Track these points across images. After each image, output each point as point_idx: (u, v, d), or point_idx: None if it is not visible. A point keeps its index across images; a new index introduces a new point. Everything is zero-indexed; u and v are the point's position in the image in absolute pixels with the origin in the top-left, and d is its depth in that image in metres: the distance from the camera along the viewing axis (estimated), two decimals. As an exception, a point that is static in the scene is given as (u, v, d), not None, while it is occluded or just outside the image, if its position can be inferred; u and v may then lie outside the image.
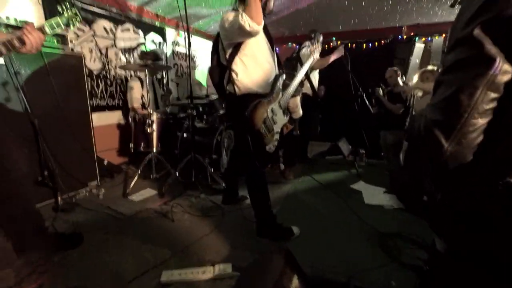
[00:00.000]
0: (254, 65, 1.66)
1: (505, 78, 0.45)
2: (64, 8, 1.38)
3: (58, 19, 1.34)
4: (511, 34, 0.43)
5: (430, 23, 4.30)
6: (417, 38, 4.38)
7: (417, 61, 4.03)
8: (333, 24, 4.63)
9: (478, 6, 0.46)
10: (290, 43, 5.39)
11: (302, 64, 3.04)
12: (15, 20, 2.20)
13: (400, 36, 4.49)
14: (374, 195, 2.54)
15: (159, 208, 2.24)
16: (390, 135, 3.39)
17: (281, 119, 1.79)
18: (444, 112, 0.51)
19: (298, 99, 2.74)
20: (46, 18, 2.60)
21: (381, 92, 3.39)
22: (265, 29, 1.73)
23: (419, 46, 4.03)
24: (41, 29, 1.28)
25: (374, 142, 3.57)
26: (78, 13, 1.42)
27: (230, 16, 1.58)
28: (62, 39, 2.59)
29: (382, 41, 4.71)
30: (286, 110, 1.85)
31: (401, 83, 3.39)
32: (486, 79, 0.45)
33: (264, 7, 1.63)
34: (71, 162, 2.39)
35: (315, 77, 3.20)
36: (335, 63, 3.03)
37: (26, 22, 2.16)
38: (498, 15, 0.43)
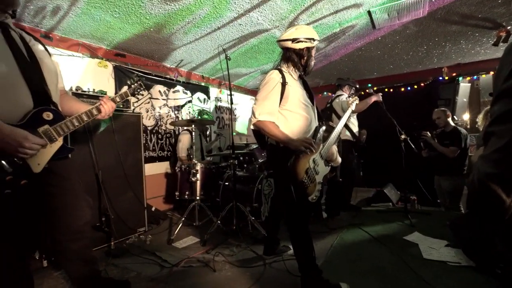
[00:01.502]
0: (294, 118, 1.76)
1: None
2: (132, 81, 1.72)
3: (127, 90, 1.67)
4: None
5: (473, 61, 4.20)
6: (461, 78, 4.25)
7: (465, 99, 3.85)
8: (368, 71, 4.77)
9: None
10: (325, 92, 5.61)
11: (336, 114, 3.14)
12: (94, 90, 2.73)
13: (441, 77, 4.41)
14: (434, 248, 2.24)
15: (201, 257, 2.26)
16: (445, 180, 3.11)
17: (323, 169, 1.81)
18: (498, 164, 0.50)
19: (334, 147, 2.75)
20: (116, 88, 3.17)
21: (428, 134, 3.23)
22: (305, 84, 1.89)
23: (464, 85, 3.89)
24: (113, 100, 1.60)
25: (427, 187, 3.29)
26: (142, 85, 1.77)
27: (259, 91, 1.77)
28: (126, 102, 3.08)
29: (422, 84, 4.65)
30: (328, 161, 1.87)
31: (452, 123, 3.21)
32: None
33: (305, 67, 1.82)
34: (124, 209, 2.63)
35: (353, 122, 3.23)
36: (375, 108, 3.05)
37: (102, 92, 2.66)
38: None
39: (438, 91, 4.45)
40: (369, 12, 2.63)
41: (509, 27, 2.99)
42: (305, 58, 1.79)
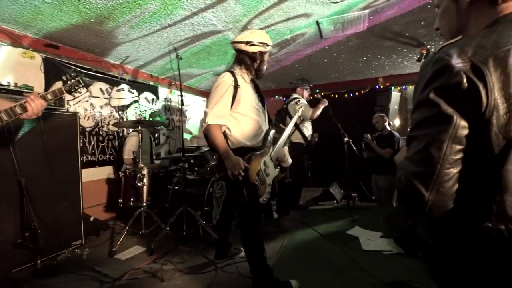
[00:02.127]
0: (245, 121, 1.78)
1: (464, 132, 0.54)
2: (68, 77, 1.53)
3: (61, 87, 1.49)
4: (459, 97, 0.53)
5: (402, 73, 4.81)
6: (393, 87, 4.84)
7: (396, 107, 4.40)
8: (316, 77, 5.09)
9: (430, 75, 0.57)
10: (276, 96, 5.82)
11: (290, 117, 3.28)
12: (16, 85, 2.36)
13: (377, 86, 4.95)
14: (371, 240, 2.50)
15: (148, 267, 2.13)
16: (381, 179, 3.49)
17: (273, 171, 1.87)
18: (420, 164, 0.57)
19: (286, 148, 2.87)
20: (46, 83, 2.80)
21: (369, 137, 3.59)
22: (257, 87, 1.93)
23: (395, 94, 4.43)
24: (44, 97, 1.41)
25: (366, 185, 3.65)
26: (81, 82, 1.58)
27: (211, 93, 1.76)
28: (59, 100, 2.73)
29: (362, 91, 5.18)
30: (277, 162, 1.94)
31: (388, 127, 3.63)
32: (449, 133, 0.54)
33: (258, 70, 1.85)
34: (55, 221, 2.33)
35: (306, 126, 3.38)
36: (322, 112, 3.28)
37: (27, 87, 2.32)
38: (446, 83, 0.54)
39: (375, 98, 5.01)
40: (317, 22, 2.82)
41: (429, 46, 3.51)
42: (258, 61, 1.82)
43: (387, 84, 4.91)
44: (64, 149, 2.47)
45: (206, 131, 1.73)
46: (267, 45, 1.82)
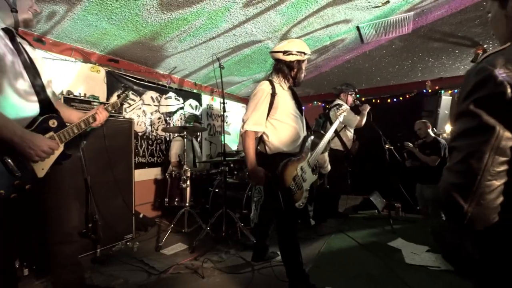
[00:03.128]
0: (283, 128, 1.83)
1: (510, 143, 0.53)
2: (121, 92, 1.84)
3: (117, 101, 1.78)
4: (503, 108, 0.53)
5: (453, 76, 4.43)
6: (443, 91, 4.48)
7: (446, 112, 4.06)
8: (356, 82, 4.92)
9: (472, 85, 0.57)
10: (315, 102, 5.75)
11: (331, 123, 3.23)
12: (85, 95, 2.74)
13: (425, 90, 4.62)
14: (416, 254, 2.33)
15: (190, 264, 2.28)
16: (427, 188, 3.26)
17: (311, 177, 1.88)
18: (459, 175, 0.57)
19: (326, 155, 2.84)
20: (108, 93, 3.18)
21: (410, 144, 3.40)
22: (294, 94, 1.97)
23: (446, 98, 4.10)
24: (107, 109, 1.70)
25: (411, 195, 3.43)
26: (128, 95, 1.90)
27: (249, 101, 1.85)
28: (119, 108, 3.08)
29: (407, 95, 4.86)
30: (316, 169, 1.95)
31: (432, 134, 3.40)
32: (491, 144, 0.53)
33: (295, 78, 1.90)
34: (112, 215, 2.61)
35: (347, 134, 3.29)
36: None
37: (94, 97, 2.68)
38: (488, 93, 0.54)
39: (422, 103, 4.67)
40: (357, 28, 2.78)
41: (485, 46, 3.20)
42: (295, 70, 1.86)
43: (436, 87, 4.55)
44: (121, 151, 2.77)
45: (243, 138, 1.82)
46: (305, 54, 1.85)
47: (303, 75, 1.91)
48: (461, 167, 0.57)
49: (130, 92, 2.03)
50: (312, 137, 1.94)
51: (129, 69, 3.45)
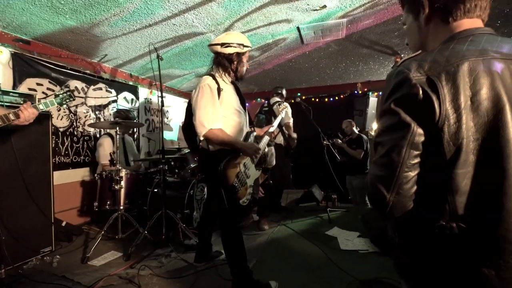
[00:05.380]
0: (228, 124, 1.79)
1: (421, 138, 0.59)
2: (63, 92, 1.63)
3: (53, 99, 1.57)
4: (416, 107, 0.59)
5: (379, 80, 5.03)
6: (370, 92, 5.05)
7: (373, 111, 4.58)
8: (297, 81, 5.21)
9: (392, 86, 0.63)
10: (259, 98, 5.87)
11: (275, 117, 3.31)
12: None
13: (356, 91, 5.14)
14: (349, 240, 2.59)
15: (124, 273, 2.07)
16: (355, 179, 3.67)
17: (254, 173, 1.89)
18: (383, 168, 0.63)
19: (272, 149, 2.92)
20: (15, 81, 2.66)
21: (339, 141, 3.80)
22: (238, 89, 1.94)
23: (373, 100, 4.62)
24: (36, 107, 1.50)
25: (344, 187, 3.79)
26: (72, 96, 1.68)
27: (198, 99, 1.73)
28: (30, 98, 2.57)
29: (342, 96, 5.35)
30: (259, 164, 1.95)
31: (356, 131, 3.87)
32: (407, 140, 0.59)
33: (236, 71, 1.86)
34: (23, 227, 2.20)
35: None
36: (301, 115, 3.35)
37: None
38: (404, 94, 0.60)
39: (353, 103, 5.19)
40: (298, 28, 2.89)
41: (403, 55, 3.71)
42: (235, 63, 1.83)
43: (365, 89, 5.13)
44: (34, 150, 2.35)
45: (208, 137, 1.71)
46: (244, 46, 1.81)
47: (244, 68, 1.87)
48: (384, 161, 0.62)
49: (70, 91, 1.89)
50: (255, 132, 1.96)
51: (45, 53, 2.95)
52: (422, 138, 0.59)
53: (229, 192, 1.70)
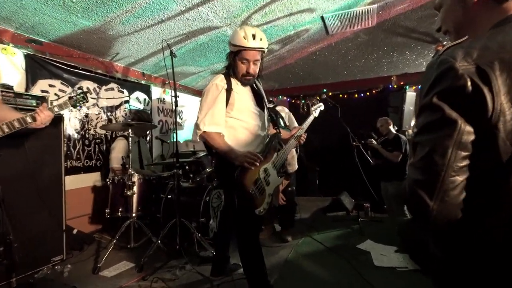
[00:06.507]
0: (240, 126, 1.82)
1: (470, 137, 0.55)
2: (78, 93, 1.74)
3: (67, 101, 1.68)
4: (464, 102, 0.55)
5: (418, 72, 4.83)
6: (407, 86, 4.85)
7: (411, 108, 4.40)
8: (323, 76, 5.13)
9: (434, 78, 0.59)
10: (280, 96, 5.84)
11: (282, 119, 3.28)
12: (-3, 83, 2.41)
13: (390, 86, 4.97)
14: (384, 255, 2.50)
15: (136, 285, 2.13)
16: (391, 185, 3.52)
17: (275, 180, 1.86)
18: (423, 171, 0.59)
19: (293, 151, 2.88)
20: (28, 83, 2.84)
21: (374, 142, 3.65)
22: (256, 89, 1.95)
23: (410, 94, 4.44)
24: (51, 109, 1.62)
25: (379, 194, 3.66)
26: (86, 97, 1.78)
27: (202, 99, 1.83)
28: (43, 100, 2.72)
29: (374, 91, 5.19)
30: (282, 171, 1.96)
31: (393, 131, 3.70)
32: (453, 139, 0.55)
33: (234, 74, 1.83)
34: (35, 233, 2.31)
35: None
36: (327, 114, 3.29)
37: (5, 86, 2.35)
38: (449, 86, 0.56)
39: (388, 99, 5.02)
40: (322, 18, 2.86)
41: (445, 42, 3.54)
42: (231, 63, 1.83)
43: (401, 83, 4.93)
44: (46, 154, 2.48)
45: (203, 139, 1.78)
46: (232, 45, 1.77)
47: (241, 70, 1.81)
48: (425, 163, 0.59)
49: (84, 93, 2.02)
50: (280, 135, 1.95)
51: (57, 54, 3.12)
52: (472, 137, 0.55)
53: (245, 201, 1.70)
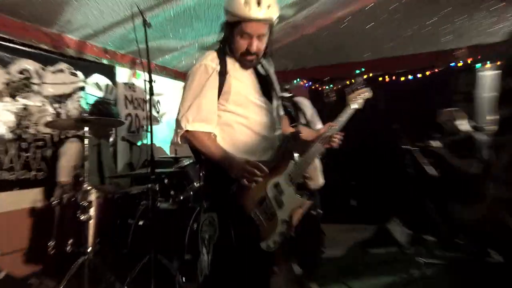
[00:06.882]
0: (237, 123, 1.79)
1: None
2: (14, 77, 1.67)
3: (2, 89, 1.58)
4: None
5: (495, 42, 4.62)
6: (479, 64, 4.75)
7: (489, 94, 4.29)
8: (357, 51, 5.10)
9: None
10: (296, 80, 5.77)
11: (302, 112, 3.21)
12: None
13: (454, 63, 4.90)
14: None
15: None
16: (465, 208, 3.38)
17: (292, 200, 1.79)
18: None
19: (316, 161, 2.81)
20: None
21: (432, 144, 3.54)
22: (259, 73, 1.92)
23: (485, 75, 4.34)
24: None
25: (446, 221, 3.55)
26: (28, 84, 1.69)
27: (185, 85, 1.81)
28: None
29: (430, 71, 5.11)
30: (301, 185, 1.90)
31: (468, 127, 3.55)
32: None
33: (231, 51, 1.81)
34: None
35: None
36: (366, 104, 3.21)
37: None
38: None
39: (452, 82, 4.90)
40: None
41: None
42: (227, 37, 1.82)
43: (471, 59, 4.83)
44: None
45: (187, 141, 1.78)
46: (229, 12, 1.75)
47: (239, 46, 1.79)
48: None
49: (27, 78, 1.91)
50: (300, 134, 1.92)
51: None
52: None
53: (245, 230, 1.67)
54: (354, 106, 2.09)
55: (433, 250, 3.65)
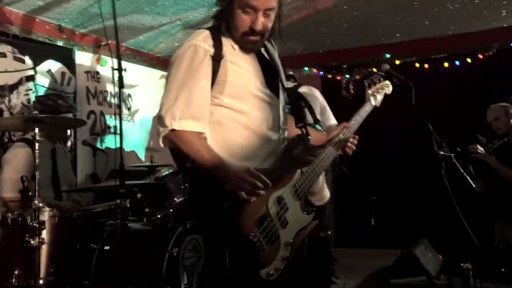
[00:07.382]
0: (233, 121, 1.81)
1: None
2: None
3: None
4: None
5: None
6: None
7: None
8: (385, 31, 5.14)
9: None
10: (306, 68, 5.86)
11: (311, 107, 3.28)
12: None
13: (511, 45, 4.96)
14: None
15: None
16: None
17: (298, 218, 1.85)
18: None
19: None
20: None
21: (481, 149, 3.58)
22: (263, 58, 1.96)
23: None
24: None
25: (491, 245, 3.63)
26: None
27: (169, 73, 1.79)
28: None
29: (480, 55, 5.16)
30: (308, 201, 1.98)
31: None
32: None
33: (228, 29, 1.84)
34: None
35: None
36: (391, 97, 3.31)
37: None
38: None
39: (508, 70, 4.89)
40: None
41: None
42: (223, 13, 1.85)
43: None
44: None
45: (172, 143, 1.76)
46: None
47: (236, 24, 1.81)
48: None
49: None
50: (309, 137, 1.94)
51: None
52: None
53: (242, 255, 1.68)
54: (373, 102, 2.19)
55: (471, 281, 3.60)
